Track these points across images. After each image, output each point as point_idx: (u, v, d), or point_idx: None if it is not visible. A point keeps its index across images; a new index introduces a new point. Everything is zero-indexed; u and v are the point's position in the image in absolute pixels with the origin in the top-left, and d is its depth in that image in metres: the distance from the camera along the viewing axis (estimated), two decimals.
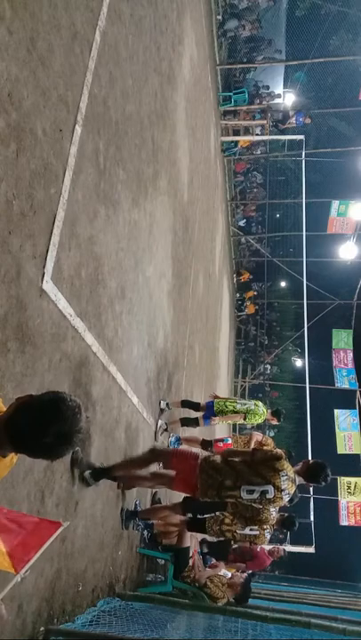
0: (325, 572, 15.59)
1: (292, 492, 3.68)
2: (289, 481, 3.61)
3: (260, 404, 6.37)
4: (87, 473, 3.39)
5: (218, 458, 3.82)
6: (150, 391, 5.46)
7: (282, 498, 3.60)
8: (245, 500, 3.60)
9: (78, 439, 1.52)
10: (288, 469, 3.62)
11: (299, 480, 3.78)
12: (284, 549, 5.17)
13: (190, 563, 4.96)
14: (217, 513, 4.55)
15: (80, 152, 3.23)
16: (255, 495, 3.56)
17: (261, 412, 6.23)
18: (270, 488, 3.55)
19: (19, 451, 1.55)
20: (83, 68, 3.32)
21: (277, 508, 4.37)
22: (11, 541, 1.77)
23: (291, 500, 4.81)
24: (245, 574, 5.64)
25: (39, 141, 2.70)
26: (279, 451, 3.73)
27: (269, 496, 3.56)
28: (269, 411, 6.52)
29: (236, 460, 3.76)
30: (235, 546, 5.22)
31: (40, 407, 1.49)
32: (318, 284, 18.83)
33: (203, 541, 5.69)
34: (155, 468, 4.24)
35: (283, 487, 3.56)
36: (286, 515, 4.84)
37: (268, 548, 6.28)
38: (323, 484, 3.88)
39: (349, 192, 16.57)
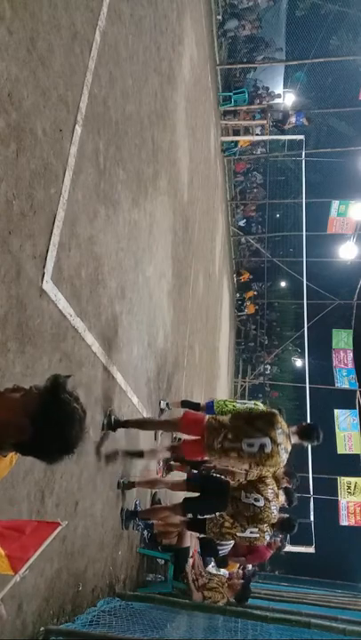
0: (325, 572, 15.59)
1: (288, 448, 3.90)
2: (284, 435, 3.85)
3: (259, 403, 6.37)
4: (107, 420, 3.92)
5: (225, 417, 4.11)
6: (150, 391, 5.46)
7: (279, 453, 3.81)
8: (247, 452, 3.82)
9: (82, 439, 1.50)
10: (283, 425, 3.88)
11: (294, 439, 4.06)
12: (282, 539, 5.19)
13: (190, 563, 4.95)
14: (217, 514, 4.54)
15: (80, 152, 3.22)
16: (255, 448, 3.80)
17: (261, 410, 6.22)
18: (268, 441, 3.78)
19: (22, 452, 1.54)
20: (83, 68, 3.32)
21: (278, 506, 4.39)
22: (9, 545, 1.77)
23: (290, 502, 4.82)
24: (245, 573, 5.64)
25: (39, 141, 2.70)
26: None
27: (267, 450, 3.78)
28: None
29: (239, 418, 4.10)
30: (225, 549, 5.21)
31: (45, 408, 1.46)
32: (318, 284, 18.81)
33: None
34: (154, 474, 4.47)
35: (279, 441, 3.79)
36: (286, 516, 4.85)
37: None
38: (315, 442, 4.24)
39: (349, 192, 16.56)
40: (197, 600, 4.73)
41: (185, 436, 4.61)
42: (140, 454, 4.37)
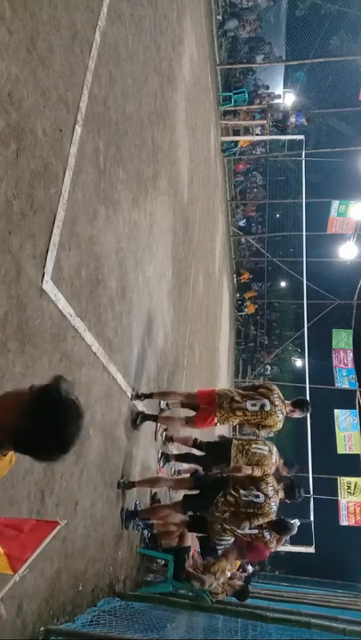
0: (325, 572, 15.58)
1: (284, 411, 4.74)
2: (280, 400, 4.74)
3: None
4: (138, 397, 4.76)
5: (233, 390, 5.01)
6: (150, 391, 5.46)
7: (276, 413, 4.67)
8: (250, 410, 4.67)
9: (79, 438, 1.51)
10: (279, 393, 4.79)
11: (288, 408, 4.82)
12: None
13: (190, 562, 4.96)
14: (217, 514, 4.53)
15: (80, 152, 3.23)
16: (257, 407, 4.66)
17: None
18: (267, 402, 4.66)
19: (20, 451, 1.55)
20: (83, 68, 3.32)
21: (277, 502, 4.41)
22: (8, 543, 1.77)
23: (293, 497, 4.79)
24: (245, 575, 5.65)
25: (39, 141, 2.70)
26: None
27: (267, 409, 4.65)
28: None
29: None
30: (224, 547, 5.23)
31: (42, 407, 1.47)
32: (318, 284, 18.79)
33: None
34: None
35: (276, 403, 4.67)
36: (280, 518, 4.87)
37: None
38: (305, 412, 5.00)
39: (349, 192, 16.56)
40: (210, 583, 4.74)
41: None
42: (154, 418, 5.01)
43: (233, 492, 4.43)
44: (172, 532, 5.10)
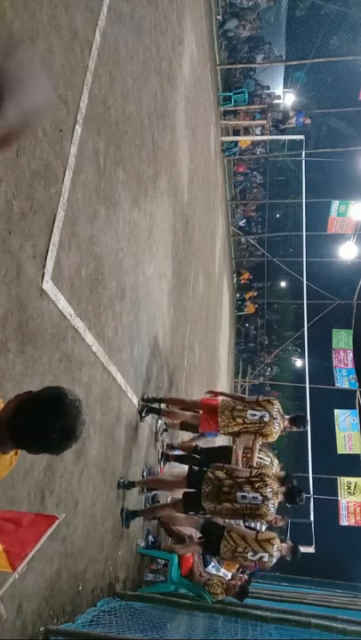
0: (325, 572, 15.56)
1: (281, 424, 5.02)
2: (279, 413, 5.02)
3: None
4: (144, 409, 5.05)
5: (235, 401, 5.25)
6: (150, 391, 5.46)
7: (273, 424, 4.94)
8: (250, 419, 4.94)
9: (81, 432, 1.53)
10: (279, 407, 5.07)
11: (286, 423, 5.12)
12: (295, 545, 5.36)
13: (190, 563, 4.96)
14: (229, 540, 4.58)
15: (80, 152, 3.22)
16: (256, 417, 4.94)
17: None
18: (267, 414, 4.94)
19: (22, 447, 1.56)
20: (83, 68, 3.32)
21: (275, 504, 4.41)
22: (7, 538, 1.77)
23: (294, 500, 4.82)
24: (245, 575, 5.65)
25: (39, 141, 2.70)
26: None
27: (266, 419, 4.92)
28: None
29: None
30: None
31: (43, 403, 1.50)
32: (318, 284, 18.78)
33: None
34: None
35: (275, 415, 4.96)
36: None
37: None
38: (301, 427, 5.28)
39: (349, 192, 16.54)
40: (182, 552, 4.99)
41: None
42: (158, 411, 5.30)
43: (229, 498, 4.42)
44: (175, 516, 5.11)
